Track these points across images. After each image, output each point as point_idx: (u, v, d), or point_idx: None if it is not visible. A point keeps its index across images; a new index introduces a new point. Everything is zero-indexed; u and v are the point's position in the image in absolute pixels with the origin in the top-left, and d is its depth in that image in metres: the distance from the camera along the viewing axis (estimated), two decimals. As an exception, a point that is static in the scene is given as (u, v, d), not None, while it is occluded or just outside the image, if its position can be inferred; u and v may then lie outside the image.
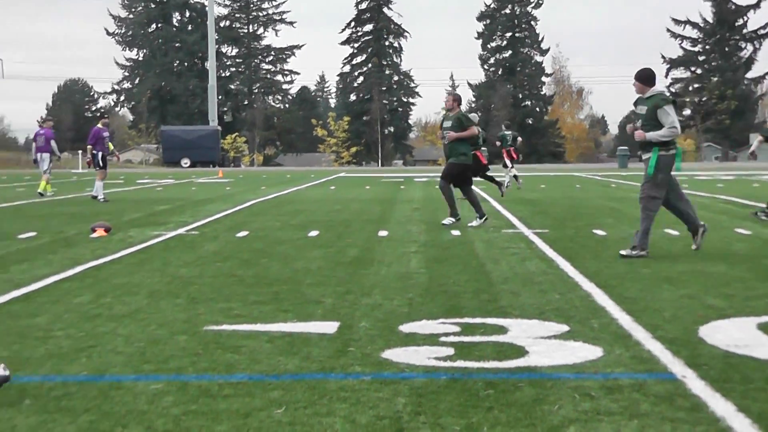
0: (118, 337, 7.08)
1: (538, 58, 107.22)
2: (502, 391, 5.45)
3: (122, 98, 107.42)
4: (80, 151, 44.66)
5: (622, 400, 5.27)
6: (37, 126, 33.59)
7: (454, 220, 16.10)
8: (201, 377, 5.87)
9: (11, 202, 25.11)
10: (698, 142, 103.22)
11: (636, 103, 11.92)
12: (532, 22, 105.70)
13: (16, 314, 8.12)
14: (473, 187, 16.57)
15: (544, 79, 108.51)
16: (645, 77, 11.90)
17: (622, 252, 11.66)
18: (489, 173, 25.17)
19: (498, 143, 30.23)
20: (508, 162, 30.07)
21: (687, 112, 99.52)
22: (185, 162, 76.33)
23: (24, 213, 20.93)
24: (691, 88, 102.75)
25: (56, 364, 6.27)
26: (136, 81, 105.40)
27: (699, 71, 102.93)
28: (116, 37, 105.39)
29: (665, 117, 11.48)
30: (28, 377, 5.91)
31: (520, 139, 30.41)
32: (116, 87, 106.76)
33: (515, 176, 30.08)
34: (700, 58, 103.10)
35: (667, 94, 12.44)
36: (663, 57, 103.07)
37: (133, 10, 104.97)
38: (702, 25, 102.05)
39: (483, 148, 23.96)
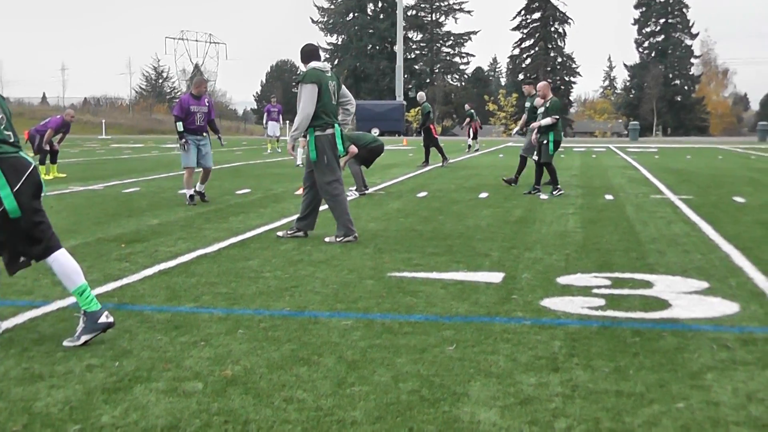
0: (316, 280, 7.24)
1: (688, 42, 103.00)
2: (647, 339, 5.32)
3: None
4: (287, 122, 45.77)
5: (756, 352, 5.06)
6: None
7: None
8: (384, 316, 5.94)
9: (231, 164, 25.94)
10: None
11: None
12: (684, 9, 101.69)
13: (233, 257, 8.40)
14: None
15: (692, 60, 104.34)
16: (302, 54, 9.73)
17: (279, 234, 9.91)
18: (441, 145, 25.22)
19: (468, 119, 36.69)
20: (471, 133, 37.01)
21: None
22: (375, 131, 77.02)
23: (241, 173, 21.60)
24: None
25: (265, 300, 6.46)
26: (335, 62, 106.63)
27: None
28: (319, 25, 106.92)
29: (300, 96, 9.39)
30: (242, 310, 6.12)
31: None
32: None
33: (469, 145, 36.97)
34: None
35: (320, 70, 9.44)
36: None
37: (335, 1, 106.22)
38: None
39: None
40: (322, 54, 11.33)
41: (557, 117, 14.91)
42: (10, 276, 5.51)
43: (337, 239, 9.42)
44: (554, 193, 15.00)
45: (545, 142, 15.07)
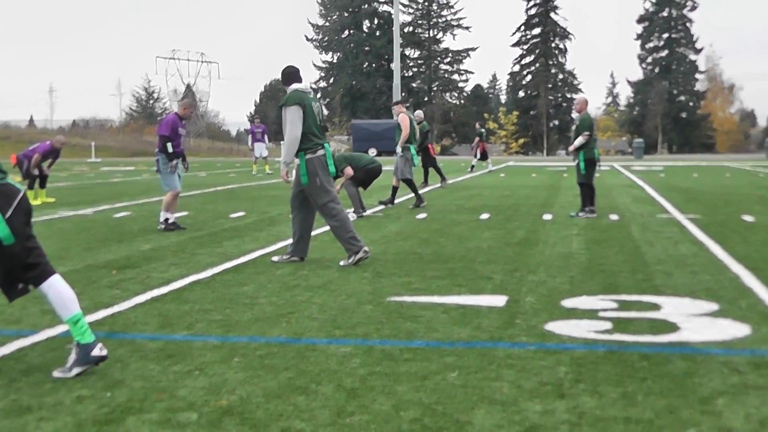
0: (313, 305, 7.23)
1: (693, 57, 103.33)
2: (656, 364, 5.31)
3: (318, 96, 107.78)
4: (281, 143, 46.31)
5: (769, 376, 5.06)
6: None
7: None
8: (384, 342, 5.93)
9: (225, 186, 25.95)
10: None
11: None
12: (688, 24, 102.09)
13: (228, 283, 8.39)
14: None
15: (697, 76, 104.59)
16: (283, 77, 9.73)
17: (274, 259, 9.87)
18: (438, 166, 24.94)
19: (477, 138, 35.86)
20: (477, 153, 35.85)
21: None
22: (372, 151, 76.84)
23: (235, 195, 21.61)
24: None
25: (261, 327, 6.45)
26: (331, 80, 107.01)
27: None
28: (314, 43, 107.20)
29: (285, 120, 9.41)
30: (237, 338, 6.10)
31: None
32: (313, 86, 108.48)
33: (473, 165, 36.32)
34: None
35: (302, 92, 9.53)
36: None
37: (329, 18, 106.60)
38: None
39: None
40: (317, 72, 11.45)
41: (588, 134, 14.90)
42: (10, 303, 5.48)
43: (350, 261, 9.44)
44: (579, 214, 14.94)
45: (577, 162, 15.11)
